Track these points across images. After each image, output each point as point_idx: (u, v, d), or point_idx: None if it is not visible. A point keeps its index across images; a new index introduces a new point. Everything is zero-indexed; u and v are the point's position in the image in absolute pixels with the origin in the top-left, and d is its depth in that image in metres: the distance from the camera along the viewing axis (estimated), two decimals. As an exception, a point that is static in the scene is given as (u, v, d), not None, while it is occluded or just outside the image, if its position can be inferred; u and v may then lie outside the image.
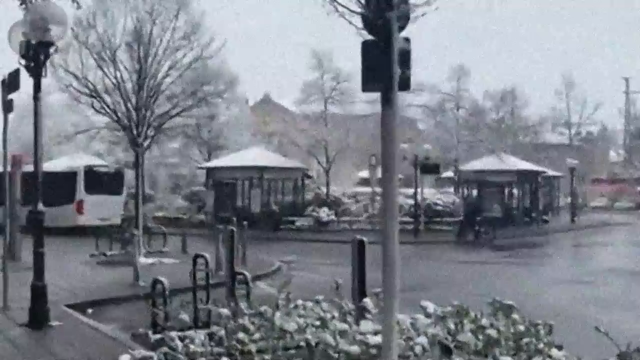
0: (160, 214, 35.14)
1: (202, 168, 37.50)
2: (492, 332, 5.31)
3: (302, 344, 5.58)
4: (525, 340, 5.24)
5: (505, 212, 38.47)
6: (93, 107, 18.31)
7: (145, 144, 18.58)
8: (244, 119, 42.68)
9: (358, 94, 38.69)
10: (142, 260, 16.19)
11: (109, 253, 19.86)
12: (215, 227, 18.27)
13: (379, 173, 37.50)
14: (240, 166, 34.84)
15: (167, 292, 9.43)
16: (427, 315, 5.93)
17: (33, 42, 9.97)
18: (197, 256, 10.75)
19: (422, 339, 5.47)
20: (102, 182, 28.51)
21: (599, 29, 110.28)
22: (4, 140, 11.29)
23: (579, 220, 42.57)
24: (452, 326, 5.81)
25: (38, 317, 10.16)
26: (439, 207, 35.26)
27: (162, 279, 9.67)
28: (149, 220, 23.67)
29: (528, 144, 48.63)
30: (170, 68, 18.41)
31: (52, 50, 9.73)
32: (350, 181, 45.80)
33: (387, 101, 5.07)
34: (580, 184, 48.15)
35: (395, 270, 4.96)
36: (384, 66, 5.88)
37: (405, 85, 6.51)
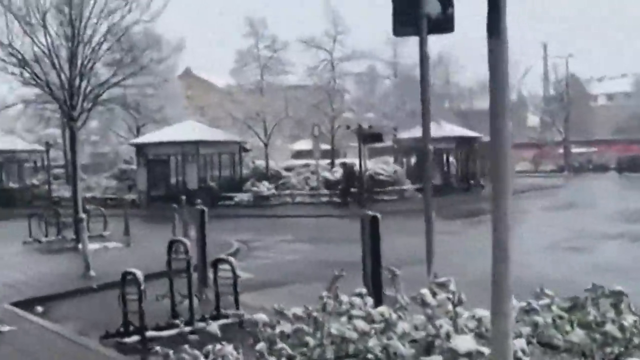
0: (88, 194, 32.98)
1: (133, 145, 35.30)
2: (612, 329, 4.26)
3: (370, 356, 4.39)
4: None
5: (443, 179, 38.18)
6: (22, 77, 16.32)
7: (82, 118, 16.74)
8: (173, 91, 40.56)
9: (295, 64, 37.36)
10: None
11: (44, 239, 18.04)
12: (173, 207, 16.71)
13: (321, 144, 36.41)
14: (174, 141, 32.91)
15: (142, 287, 8.02)
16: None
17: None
18: (173, 242, 9.33)
19: (520, 341, 4.37)
20: None
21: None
22: None
23: (513, 184, 42.71)
24: (541, 321, 4.76)
25: (-17, 322, 8.58)
26: (382, 177, 34.48)
27: (135, 270, 8.25)
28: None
29: (461, 110, 48.59)
30: (107, 32, 16.54)
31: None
32: (286, 154, 44.56)
33: (495, 32, 3.78)
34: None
35: (509, 259, 3.81)
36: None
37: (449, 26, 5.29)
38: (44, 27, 15.93)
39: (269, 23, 36.65)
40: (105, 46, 16.76)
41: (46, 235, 18.25)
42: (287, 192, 34.10)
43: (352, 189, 31.44)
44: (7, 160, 37.96)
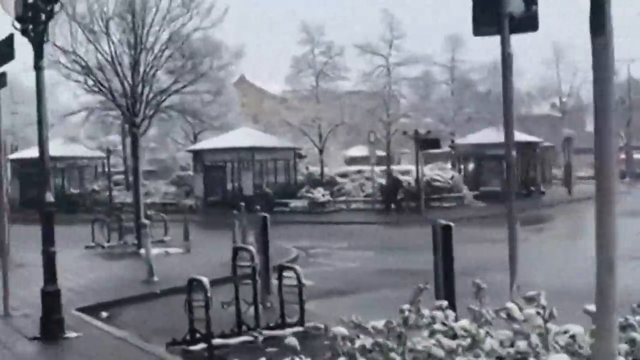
0: (148, 200, 33.38)
1: (190, 151, 35.68)
2: None
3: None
4: None
5: (503, 185, 37.35)
6: (86, 84, 16.57)
7: (143, 125, 16.91)
8: (230, 98, 40.81)
9: (351, 69, 37.07)
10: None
11: (106, 244, 18.25)
12: (233, 213, 16.70)
13: (377, 150, 36.09)
14: (230, 147, 33.14)
15: (209, 294, 7.90)
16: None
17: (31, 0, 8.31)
18: (237, 249, 9.22)
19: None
20: None
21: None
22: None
23: (574, 191, 41.67)
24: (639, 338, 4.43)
25: (51, 328, 8.61)
26: (439, 184, 33.91)
27: (201, 277, 8.14)
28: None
29: (521, 114, 47.48)
30: (168, 39, 16.66)
31: (56, 7, 8.04)
32: (339, 160, 44.31)
33: (600, 30, 3.49)
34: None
35: (615, 270, 3.52)
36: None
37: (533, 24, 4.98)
38: (107, 34, 16.16)
39: (325, 28, 36.49)
40: (167, 53, 16.91)
41: (108, 241, 18.48)
42: (342, 198, 33.88)
43: (398, 197, 31.22)
44: (69, 167, 38.87)
